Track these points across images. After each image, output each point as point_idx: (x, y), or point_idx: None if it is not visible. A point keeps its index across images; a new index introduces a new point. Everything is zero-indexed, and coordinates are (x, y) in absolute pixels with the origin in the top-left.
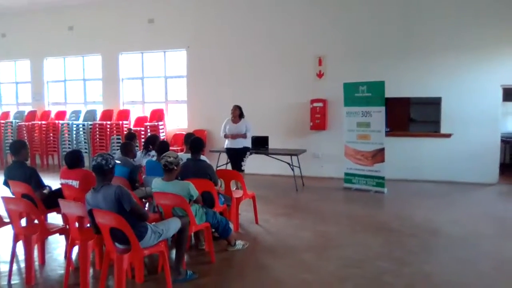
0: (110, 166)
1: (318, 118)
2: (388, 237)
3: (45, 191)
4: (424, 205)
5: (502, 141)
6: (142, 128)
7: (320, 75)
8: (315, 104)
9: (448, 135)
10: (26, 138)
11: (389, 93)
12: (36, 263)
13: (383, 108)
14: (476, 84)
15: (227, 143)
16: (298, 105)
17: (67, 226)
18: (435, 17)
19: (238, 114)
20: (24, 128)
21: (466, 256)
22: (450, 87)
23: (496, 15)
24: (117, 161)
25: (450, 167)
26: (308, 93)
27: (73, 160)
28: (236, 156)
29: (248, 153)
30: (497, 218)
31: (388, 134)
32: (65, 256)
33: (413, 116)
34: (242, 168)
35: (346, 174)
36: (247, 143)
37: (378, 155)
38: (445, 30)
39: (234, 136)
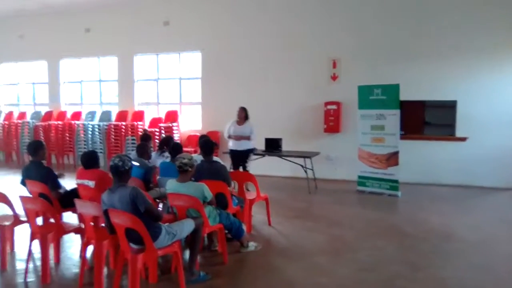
0: (127, 167)
1: (332, 121)
2: (402, 241)
3: (60, 191)
4: (439, 209)
5: None
6: (157, 129)
7: (334, 77)
8: (329, 107)
9: (463, 139)
10: (42, 138)
11: (404, 96)
12: (52, 262)
13: (397, 111)
14: (492, 87)
15: (231, 145)
16: (312, 108)
17: (83, 225)
18: (450, 20)
19: (243, 116)
20: (41, 128)
21: (482, 261)
22: (465, 90)
23: (510, 18)
24: (134, 163)
25: (466, 171)
26: (322, 95)
27: (89, 160)
28: (240, 158)
29: (251, 154)
30: None
31: (402, 137)
32: (80, 255)
33: (428, 119)
34: (247, 169)
35: (360, 177)
36: (251, 145)
37: (392, 158)
38: (461, 33)
39: (238, 138)
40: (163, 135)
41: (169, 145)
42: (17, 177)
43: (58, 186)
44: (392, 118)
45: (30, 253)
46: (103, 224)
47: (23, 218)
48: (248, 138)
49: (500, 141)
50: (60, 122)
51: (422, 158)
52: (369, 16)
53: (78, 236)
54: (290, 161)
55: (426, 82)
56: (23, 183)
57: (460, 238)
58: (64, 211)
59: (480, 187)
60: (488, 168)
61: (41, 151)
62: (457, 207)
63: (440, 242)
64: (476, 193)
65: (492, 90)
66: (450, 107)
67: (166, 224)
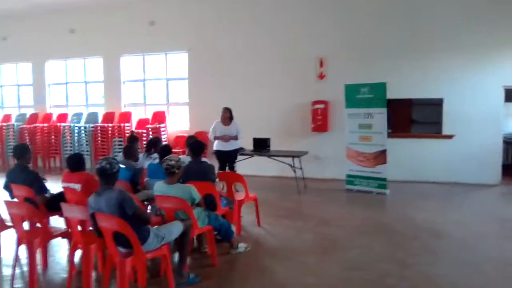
0: (114, 170)
1: (320, 120)
2: (391, 239)
3: (46, 195)
4: (427, 206)
5: (505, 142)
6: (144, 130)
7: (321, 76)
8: (316, 106)
9: (450, 136)
10: (28, 140)
11: (391, 94)
12: (39, 267)
13: (384, 110)
14: (478, 85)
15: (217, 146)
16: (299, 107)
17: (70, 230)
18: (437, 19)
19: (228, 116)
20: (26, 131)
21: (469, 258)
22: (452, 88)
23: (498, 17)
24: (121, 165)
25: (452, 168)
26: (309, 94)
27: (75, 163)
28: (228, 158)
29: (238, 154)
30: (500, 219)
31: (390, 135)
32: (68, 260)
33: (415, 117)
34: (235, 169)
35: (348, 175)
36: (238, 145)
37: (380, 157)
38: (447, 31)
39: (227, 139)
40: (151, 136)
41: (157, 146)
42: (1, 181)
43: (44, 190)
44: (380, 116)
45: (17, 258)
46: (90, 228)
47: (9, 223)
48: (236, 138)
49: (485, 139)
50: (45, 125)
51: (410, 156)
52: (356, 15)
53: (65, 241)
54: (279, 160)
55: (413, 80)
56: (6, 187)
57: (448, 235)
58: (50, 215)
59: (466, 184)
60: (474, 165)
61: (27, 155)
62: (444, 204)
63: (428, 239)
64: (463, 190)
65: (478, 88)
66: (436, 105)
67: (155, 227)
